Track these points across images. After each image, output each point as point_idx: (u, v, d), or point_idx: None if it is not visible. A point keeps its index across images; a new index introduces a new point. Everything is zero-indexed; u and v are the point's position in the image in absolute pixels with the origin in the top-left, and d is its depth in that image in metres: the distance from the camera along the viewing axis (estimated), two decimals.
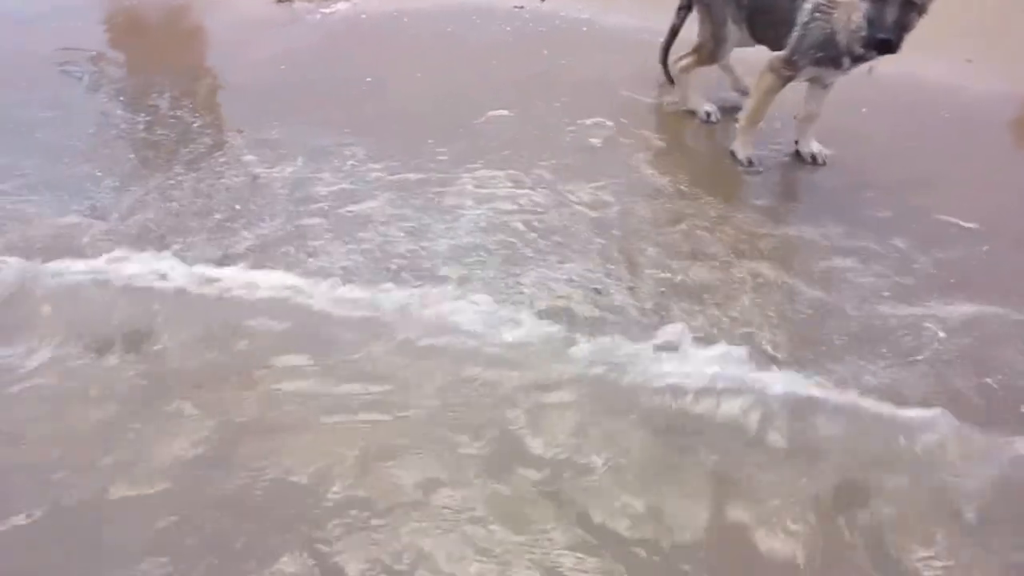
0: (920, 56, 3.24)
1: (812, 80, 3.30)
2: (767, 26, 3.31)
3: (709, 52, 3.55)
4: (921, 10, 2.85)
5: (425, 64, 4.17)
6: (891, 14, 2.81)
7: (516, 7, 4.56)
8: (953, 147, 3.62)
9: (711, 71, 3.73)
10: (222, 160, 3.53)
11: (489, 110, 3.79)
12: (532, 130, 3.68)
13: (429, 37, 4.40)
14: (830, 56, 3.10)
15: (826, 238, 3.12)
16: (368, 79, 4.06)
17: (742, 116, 3.43)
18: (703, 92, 3.77)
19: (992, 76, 3.96)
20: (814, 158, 3.45)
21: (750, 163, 3.42)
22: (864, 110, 3.76)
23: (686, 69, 3.68)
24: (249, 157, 3.53)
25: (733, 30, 3.45)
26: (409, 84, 4.03)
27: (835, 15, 3.03)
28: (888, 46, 2.86)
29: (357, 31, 4.50)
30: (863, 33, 2.93)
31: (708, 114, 3.70)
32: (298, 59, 4.25)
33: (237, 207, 3.27)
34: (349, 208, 3.25)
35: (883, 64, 3.21)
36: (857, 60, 3.09)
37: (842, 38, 3.04)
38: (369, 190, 3.35)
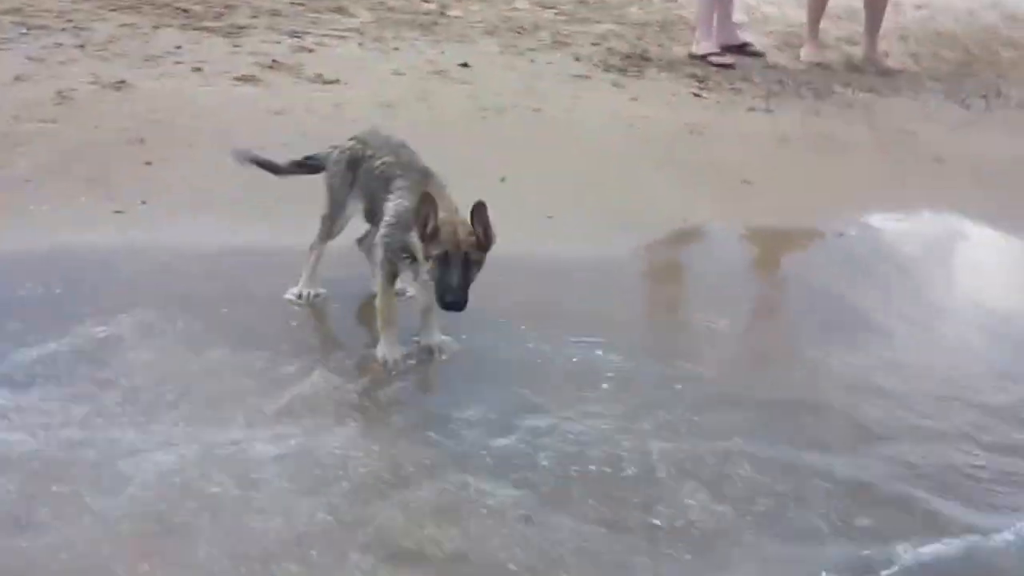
0: None
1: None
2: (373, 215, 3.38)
3: (328, 228, 3.55)
4: (479, 267, 3.00)
5: None
6: (455, 277, 2.93)
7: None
8: None
9: None
10: None
11: None
12: None
13: None
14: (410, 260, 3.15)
15: None
16: None
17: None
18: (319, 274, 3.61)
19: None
20: (431, 350, 3.36)
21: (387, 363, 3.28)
22: None
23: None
24: None
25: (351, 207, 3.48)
26: None
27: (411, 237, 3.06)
28: (457, 307, 2.97)
29: None
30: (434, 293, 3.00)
31: (299, 295, 3.58)
32: None
33: None
34: None
35: None
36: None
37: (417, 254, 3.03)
38: None
